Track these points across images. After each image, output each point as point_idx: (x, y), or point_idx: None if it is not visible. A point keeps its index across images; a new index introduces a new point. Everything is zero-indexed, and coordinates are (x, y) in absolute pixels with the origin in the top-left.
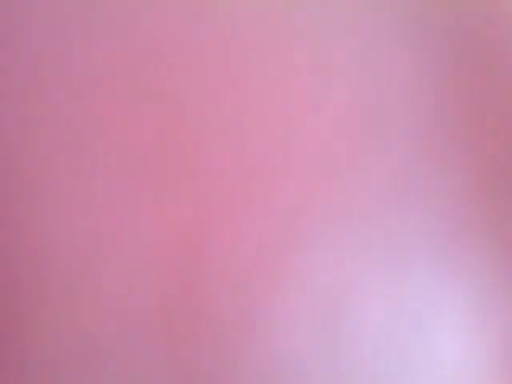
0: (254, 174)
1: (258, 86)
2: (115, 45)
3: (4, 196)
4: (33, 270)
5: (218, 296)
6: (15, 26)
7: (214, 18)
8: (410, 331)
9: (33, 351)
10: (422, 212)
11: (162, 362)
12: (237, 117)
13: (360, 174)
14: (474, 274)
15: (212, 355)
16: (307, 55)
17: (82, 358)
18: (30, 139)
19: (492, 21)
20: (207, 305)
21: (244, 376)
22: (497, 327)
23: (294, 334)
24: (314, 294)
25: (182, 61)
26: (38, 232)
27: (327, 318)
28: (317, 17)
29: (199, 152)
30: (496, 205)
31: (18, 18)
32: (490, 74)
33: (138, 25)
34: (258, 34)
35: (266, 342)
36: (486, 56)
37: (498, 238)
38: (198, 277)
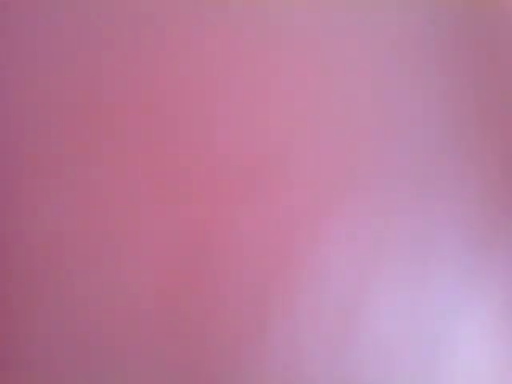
0: (264, 171)
1: (266, 85)
2: (115, 46)
3: (6, 196)
4: (36, 269)
5: (227, 296)
6: (17, 33)
7: (216, 21)
8: (433, 333)
9: (37, 351)
10: (447, 211)
11: (169, 362)
12: (246, 118)
13: (378, 172)
14: (500, 273)
15: (219, 356)
16: (321, 57)
17: (89, 358)
18: (37, 142)
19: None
20: (215, 306)
21: (251, 378)
22: None
23: (307, 335)
24: (327, 295)
25: (186, 60)
26: (43, 231)
27: (341, 320)
28: (332, 18)
29: (208, 151)
30: None
31: (20, 25)
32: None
33: (139, 31)
34: (262, 36)
35: (277, 344)
36: (501, 53)
37: None
38: (205, 277)
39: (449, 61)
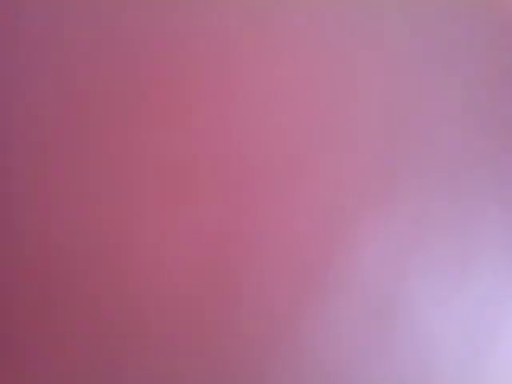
0: (290, 172)
1: (289, 86)
2: (116, 46)
3: (34, 203)
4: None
5: (263, 288)
6: (20, 37)
7: (216, 21)
8: (475, 330)
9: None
10: (490, 205)
11: (202, 348)
12: (271, 118)
13: (415, 166)
14: None
15: (251, 344)
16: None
17: (126, 342)
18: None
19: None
20: (248, 297)
21: (286, 367)
22: None
23: (344, 333)
24: (365, 293)
25: (204, 62)
26: (78, 233)
27: (378, 312)
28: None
29: (234, 152)
30: None
31: (23, 29)
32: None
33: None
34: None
35: (312, 339)
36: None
37: None
38: (235, 277)
39: (462, 59)
